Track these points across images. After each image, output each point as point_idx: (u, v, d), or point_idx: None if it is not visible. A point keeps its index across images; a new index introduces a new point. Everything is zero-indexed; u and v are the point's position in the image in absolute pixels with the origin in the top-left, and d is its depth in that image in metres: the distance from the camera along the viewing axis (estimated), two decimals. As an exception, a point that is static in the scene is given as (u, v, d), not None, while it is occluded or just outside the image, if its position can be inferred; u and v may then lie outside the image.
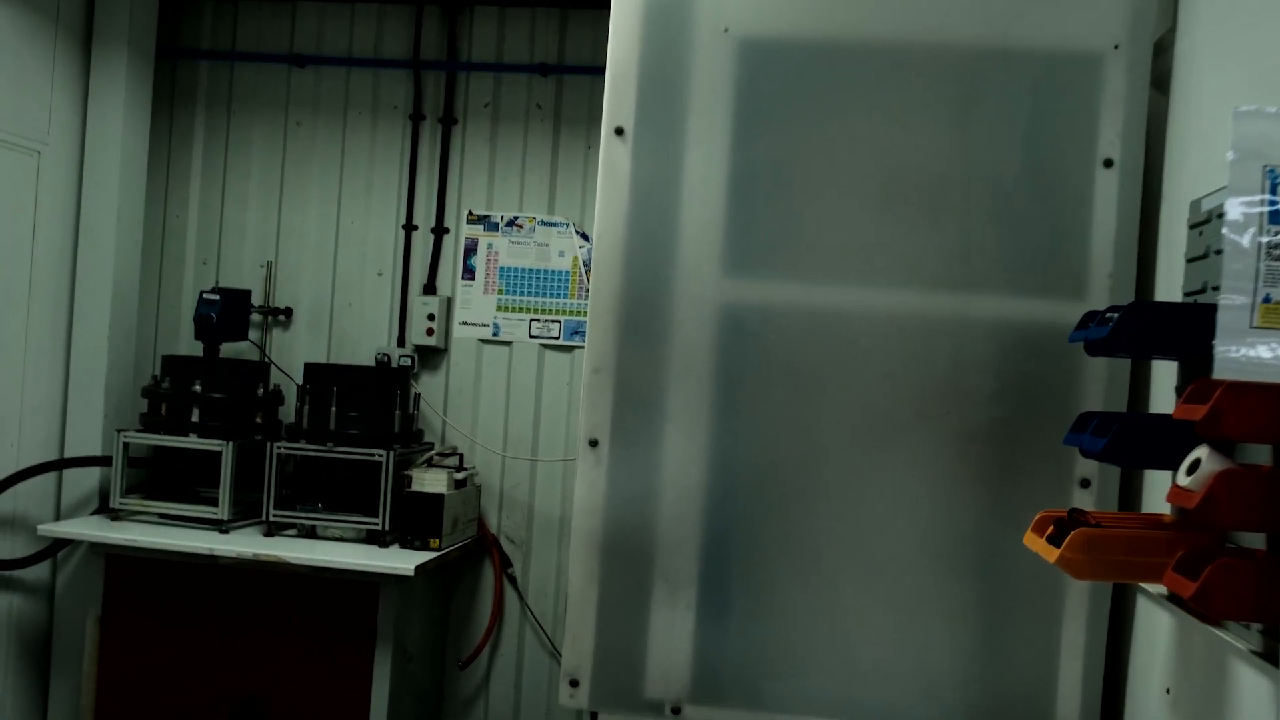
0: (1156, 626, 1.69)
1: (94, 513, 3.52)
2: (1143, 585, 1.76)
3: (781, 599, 1.95)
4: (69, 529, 3.25)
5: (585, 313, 3.66)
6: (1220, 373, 1.08)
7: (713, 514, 1.97)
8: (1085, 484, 1.85)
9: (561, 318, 3.65)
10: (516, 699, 3.62)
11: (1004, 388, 1.89)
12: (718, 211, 1.96)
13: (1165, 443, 1.33)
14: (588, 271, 3.62)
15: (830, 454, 1.94)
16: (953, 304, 1.90)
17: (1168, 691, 1.60)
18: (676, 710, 1.98)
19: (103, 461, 3.50)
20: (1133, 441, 1.35)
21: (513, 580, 3.64)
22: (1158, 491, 1.77)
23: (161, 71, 3.86)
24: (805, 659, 1.94)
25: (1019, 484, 1.89)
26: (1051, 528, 1.46)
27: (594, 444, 1.99)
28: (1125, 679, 1.87)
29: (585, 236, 3.66)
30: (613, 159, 1.97)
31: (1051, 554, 1.40)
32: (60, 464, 3.50)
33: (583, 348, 3.66)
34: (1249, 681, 1.31)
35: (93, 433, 3.57)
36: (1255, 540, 1.35)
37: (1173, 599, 1.54)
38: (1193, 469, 1.20)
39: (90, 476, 3.56)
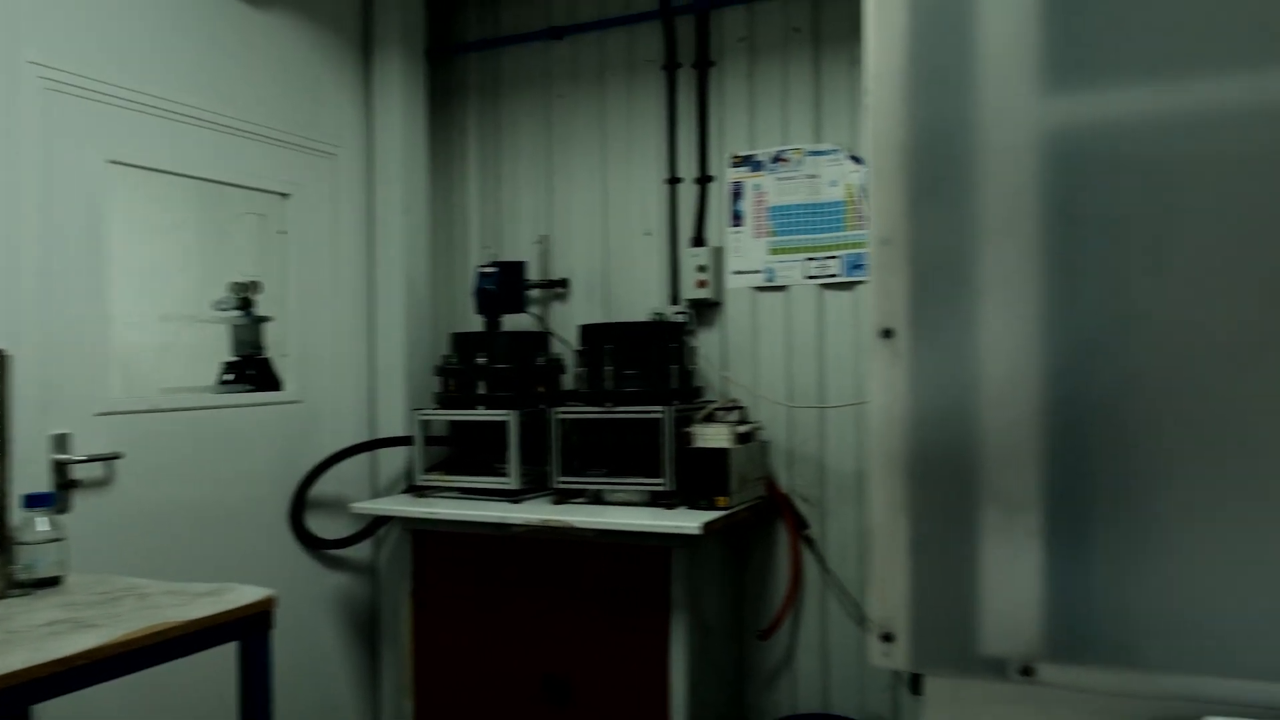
0: None
1: (403, 492, 3.66)
2: None
3: (1166, 520, 1.45)
4: (374, 506, 3.39)
5: (866, 244, 3.30)
6: None
7: (1057, 414, 1.50)
8: None
9: (839, 252, 3.31)
10: (825, 672, 3.31)
11: None
12: (1027, 8, 1.52)
13: None
14: (864, 198, 3.26)
15: (1230, 316, 1.43)
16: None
17: None
18: (1027, 671, 1.53)
19: (404, 441, 3.63)
20: None
21: (810, 542, 3.33)
22: None
23: (439, 69, 4.00)
24: (1208, 602, 1.42)
25: None
26: None
27: (888, 334, 1.58)
28: None
29: (857, 160, 3.29)
30: (887, -25, 1.60)
31: None
32: (366, 446, 3.67)
33: (867, 283, 3.30)
34: None
35: (398, 415, 3.72)
36: None
37: None
38: None
39: (400, 458, 3.72)
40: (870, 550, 1.63)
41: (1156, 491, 1.46)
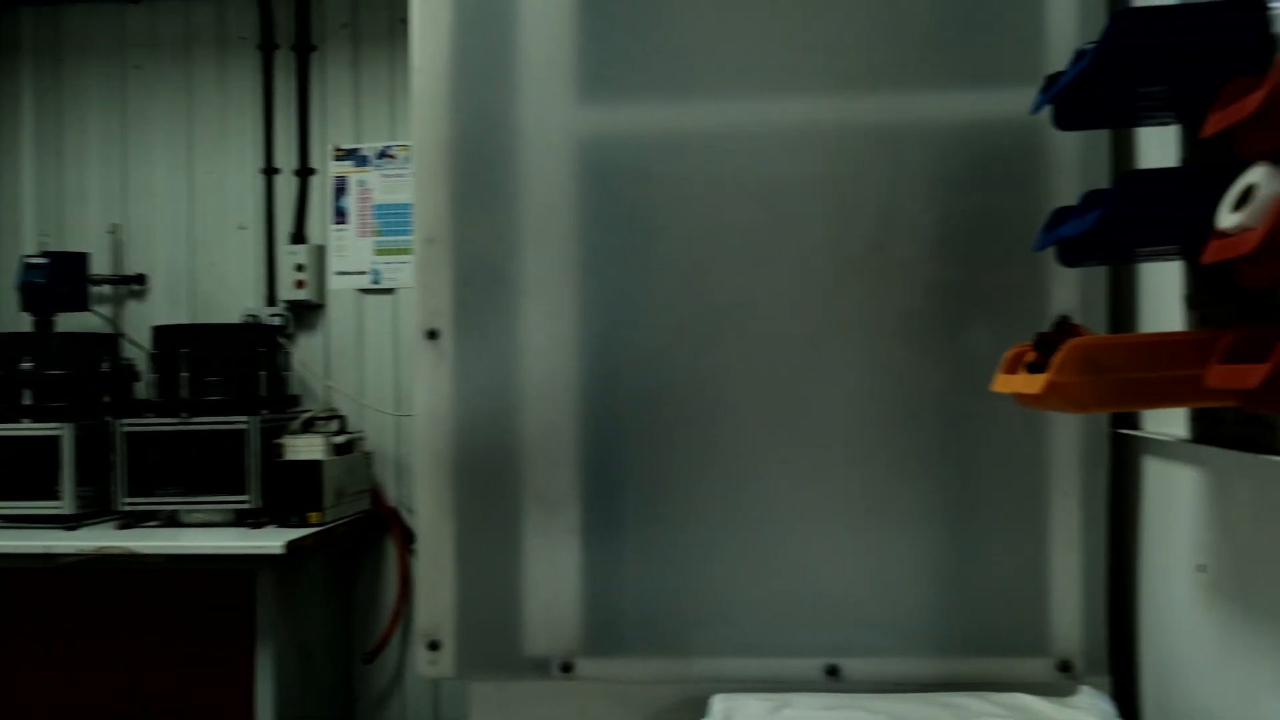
0: (1177, 487, 1.31)
1: (-77, 525, 3.00)
2: (1155, 437, 1.39)
3: (691, 514, 1.54)
4: None
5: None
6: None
7: (592, 412, 1.56)
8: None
9: (451, 254, 3.22)
10: (435, 692, 3.18)
11: (953, 214, 1.51)
12: (565, 16, 1.56)
13: (1190, 196, 0.93)
14: (476, 199, 3.20)
15: (741, 320, 1.55)
16: (887, 106, 1.52)
17: (1201, 569, 1.23)
18: (567, 668, 1.56)
19: (-79, 463, 2.98)
20: (1143, 199, 0.96)
21: (420, 557, 3.20)
22: (1160, 325, 1.41)
23: (-27, 21, 3.36)
24: (728, 589, 1.53)
25: (979, 341, 1.51)
26: (1032, 353, 1.08)
27: (433, 335, 1.58)
28: (1137, 565, 1.49)
29: (470, 160, 3.23)
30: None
31: (1034, 384, 1.02)
32: None
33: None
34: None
35: (-86, 434, 3.05)
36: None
37: (1203, 438, 1.17)
38: (1244, 201, 0.82)
39: (-84, 485, 3.04)
40: (419, 555, 1.60)
41: (680, 488, 1.55)
